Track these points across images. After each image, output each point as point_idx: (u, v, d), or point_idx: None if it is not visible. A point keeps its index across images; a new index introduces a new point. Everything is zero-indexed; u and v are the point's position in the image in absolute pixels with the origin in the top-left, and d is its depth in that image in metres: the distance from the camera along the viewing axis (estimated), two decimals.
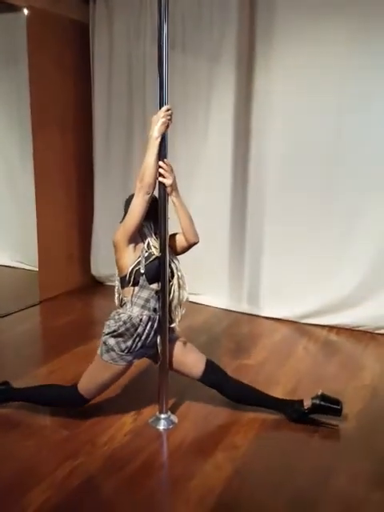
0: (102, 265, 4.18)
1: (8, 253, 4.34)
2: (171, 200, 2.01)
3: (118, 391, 2.37)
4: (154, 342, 2.08)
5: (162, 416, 2.15)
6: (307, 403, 2.15)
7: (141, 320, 2.00)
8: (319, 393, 2.17)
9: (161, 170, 1.94)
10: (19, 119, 4.02)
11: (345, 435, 2.12)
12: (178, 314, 2.11)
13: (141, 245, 2.03)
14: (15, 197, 4.18)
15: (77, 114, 3.97)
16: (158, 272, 2.01)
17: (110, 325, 2.04)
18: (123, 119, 3.89)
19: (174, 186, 1.99)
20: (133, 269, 1.99)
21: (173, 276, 2.07)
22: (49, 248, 3.86)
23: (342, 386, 2.50)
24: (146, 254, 2.00)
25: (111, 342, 2.02)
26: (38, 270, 3.83)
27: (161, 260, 2.00)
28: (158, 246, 2.02)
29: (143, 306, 2.01)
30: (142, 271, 1.98)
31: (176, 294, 2.08)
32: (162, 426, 2.13)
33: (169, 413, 2.18)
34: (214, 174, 3.55)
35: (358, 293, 3.18)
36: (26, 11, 3.45)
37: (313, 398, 2.15)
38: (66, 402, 2.17)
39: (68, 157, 3.96)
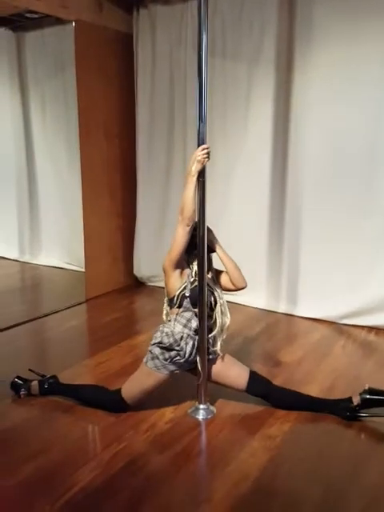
0: (143, 266, 4.34)
1: (56, 254, 4.58)
2: (216, 253, 2.24)
3: None
4: (195, 361, 2.19)
5: (201, 406, 2.26)
6: (356, 399, 2.18)
7: (181, 337, 2.14)
8: (366, 387, 2.19)
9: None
10: (66, 124, 4.25)
11: (379, 429, 2.15)
12: (220, 338, 2.24)
13: (187, 271, 2.20)
14: (63, 201, 4.41)
15: (121, 120, 4.16)
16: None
17: (157, 336, 2.19)
18: (165, 126, 4.03)
19: (214, 242, 2.23)
20: (179, 293, 2.17)
21: (216, 303, 2.22)
22: (95, 249, 4.06)
23: (380, 384, 2.51)
24: (192, 280, 2.18)
25: (156, 351, 2.16)
26: (84, 270, 4.04)
27: (199, 286, 2.14)
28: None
29: (185, 325, 2.16)
30: (187, 295, 2.16)
31: (219, 320, 2.23)
32: (200, 415, 2.24)
33: (207, 404, 2.28)
34: (252, 173, 3.64)
35: None
36: (73, 24, 3.67)
37: (361, 394, 2.18)
38: (108, 405, 2.25)
39: (113, 162, 4.15)
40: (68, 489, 1.79)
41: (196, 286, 2.16)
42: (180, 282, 2.18)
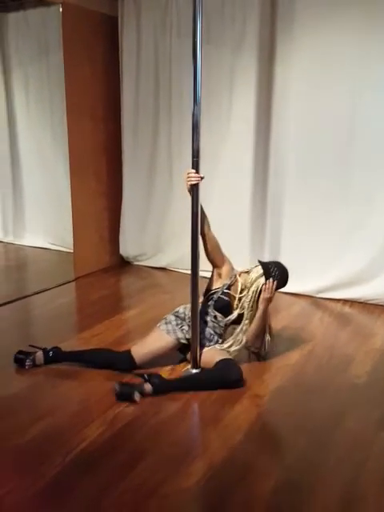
0: (130, 245, 4.48)
1: (41, 235, 4.66)
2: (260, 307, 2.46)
3: None
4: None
5: (194, 371, 2.45)
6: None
7: None
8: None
9: (265, 289, 2.42)
10: (51, 107, 4.29)
11: (356, 388, 2.39)
12: (233, 348, 2.50)
13: (224, 281, 2.52)
14: (47, 182, 4.47)
15: (107, 103, 4.24)
16: (224, 307, 2.51)
17: (176, 308, 2.56)
18: (150, 109, 4.13)
19: (270, 300, 2.44)
20: (211, 293, 2.54)
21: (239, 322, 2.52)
22: (82, 229, 4.16)
23: (355, 349, 2.78)
24: (224, 291, 2.50)
25: (171, 317, 2.52)
26: (72, 249, 4.13)
27: (191, 283, 2.38)
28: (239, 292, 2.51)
29: (202, 311, 2.49)
30: (214, 299, 2.52)
31: (239, 336, 2.50)
32: None
33: (200, 368, 2.47)
34: (236, 158, 3.79)
35: (371, 268, 3.43)
36: (60, 8, 3.70)
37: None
38: (117, 363, 2.45)
39: (99, 145, 4.24)
40: (77, 444, 1.95)
41: (224, 297, 2.50)
42: (215, 283, 2.54)
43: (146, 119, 4.17)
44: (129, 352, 2.46)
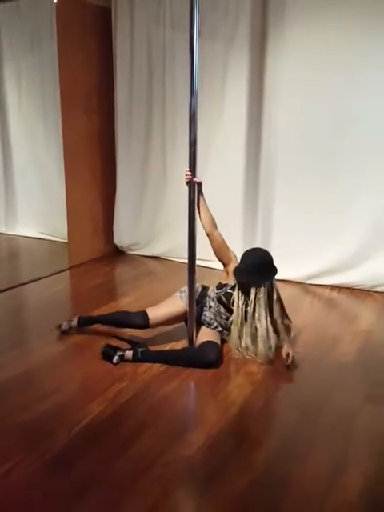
0: (123, 235, 4.56)
1: (33, 225, 4.71)
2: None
3: (154, 332, 2.77)
4: (199, 314, 2.65)
5: None
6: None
7: (205, 301, 2.67)
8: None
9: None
10: (43, 99, 4.32)
11: (344, 366, 2.52)
12: (234, 342, 2.54)
13: (230, 280, 2.57)
14: (39, 173, 4.51)
15: (100, 95, 4.29)
16: (226, 303, 2.56)
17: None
18: (143, 100, 4.20)
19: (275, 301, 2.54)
20: (221, 289, 2.60)
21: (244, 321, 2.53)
22: (77, 219, 4.24)
23: (342, 331, 2.91)
24: (228, 291, 2.56)
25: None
26: (66, 239, 4.20)
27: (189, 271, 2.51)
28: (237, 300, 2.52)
29: (208, 298, 2.68)
30: (217, 295, 2.61)
31: (237, 333, 2.53)
32: None
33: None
34: (228, 150, 3.88)
35: (356, 257, 3.58)
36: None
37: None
38: (135, 321, 2.62)
39: (92, 136, 4.30)
40: (81, 419, 2.05)
41: (221, 297, 2.58)
42: (223, 280, 2.62)
43: (139, 110, 4.23)
44: (144, 311, 2.62)
